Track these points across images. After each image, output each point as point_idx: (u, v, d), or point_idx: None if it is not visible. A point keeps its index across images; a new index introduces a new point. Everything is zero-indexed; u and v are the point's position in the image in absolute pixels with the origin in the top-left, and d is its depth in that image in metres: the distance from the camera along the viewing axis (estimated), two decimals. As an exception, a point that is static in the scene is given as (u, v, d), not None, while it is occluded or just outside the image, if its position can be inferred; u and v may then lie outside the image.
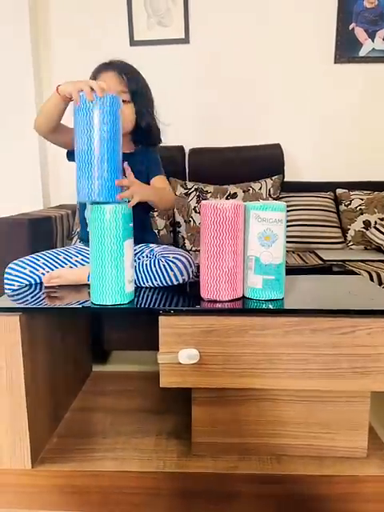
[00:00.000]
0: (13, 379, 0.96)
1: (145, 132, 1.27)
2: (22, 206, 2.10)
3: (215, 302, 0.99)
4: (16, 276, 1.16)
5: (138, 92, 1.23)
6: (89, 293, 1.03)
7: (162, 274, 1.11)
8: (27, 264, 1.18)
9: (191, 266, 1.14)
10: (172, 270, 1.11)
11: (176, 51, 2.26)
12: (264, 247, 0.99)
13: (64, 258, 1.25)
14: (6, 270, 1.17)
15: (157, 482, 1.00)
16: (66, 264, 1.24)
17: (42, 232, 1.78)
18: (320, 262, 1.79)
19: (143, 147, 1.33)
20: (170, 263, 1.12)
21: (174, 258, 1.13)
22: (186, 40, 2.25)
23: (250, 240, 1.00)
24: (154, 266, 1.12)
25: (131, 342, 1.63)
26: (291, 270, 1.54)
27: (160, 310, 0.96)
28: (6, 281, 1.17)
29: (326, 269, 1.66)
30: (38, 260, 1.20)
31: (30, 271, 1.17)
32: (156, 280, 1.12)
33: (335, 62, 2.26)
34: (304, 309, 0.94)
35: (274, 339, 0.93)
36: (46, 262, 1.21)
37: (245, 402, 1.02)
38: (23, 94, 2.26)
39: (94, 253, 0.97)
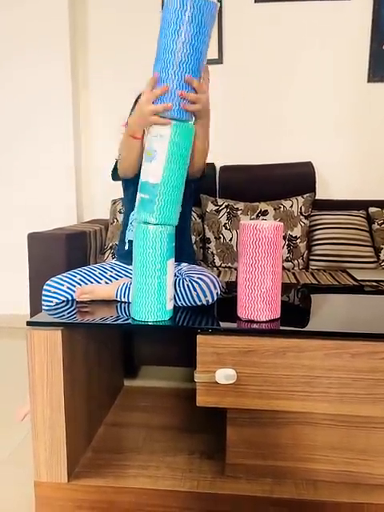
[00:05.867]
0: (52, 393, 0.99)
1: None
2: (57, 221, 2.17)
3: (252, 322, 0.99)
4: (54, 292, 1.19)
5: None
6: (116, 308, 1.09)
7: (186, 293, 1.11)
8: (65, 281, 1.21)
9: (216, 288, 1.11)
10: (195, 290, 1.10)
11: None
12: (145, 164, 0.99)
13: (99, 273, 1.28)
14: (45, 287, 1.20)
15: (190, 502, 1.00)
16: (102, 280, 1.27)
17: (78, 246, 1.83)
18: (353, 281, 1.76)
19: None
20: (194, 283, 1.11)
21: (198, 278, 1.12)
22: (219, 60, 2.30)
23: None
24: (178, 286, 1.12)
25: (162, 357, 1.64)
26: (325, 289, 1.54)
27: (199, 328, 0.97)
28: (44, 297, 1.20)
29: (357, 288, 1.64)
30: (75, 276, 1.23)
31: (68, 287, 1.20)
32: (180, 300, 1.11)
33: (368, 81, 2.26)
34: (343, 332, 0.94)
35: (313, 362, 0.93)
36: (82, 279, 1.23)
37: (281, 425, 1.02)
38: (60, 111, 2.34)
39: (137, 270, 0.99)
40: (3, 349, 2.16)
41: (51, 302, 1.19)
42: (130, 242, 1.26)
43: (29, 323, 0.99)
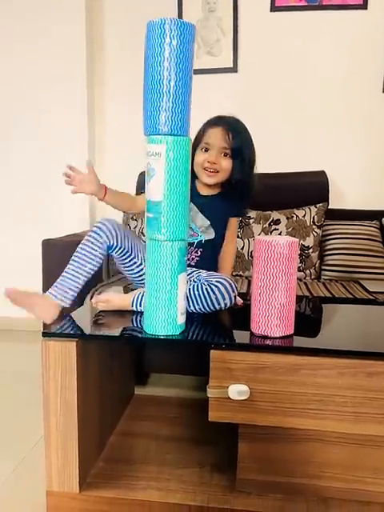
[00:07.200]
0: (67, 403, 0.99)
1: (233, 187, 1.32)
2: (71, 226, 2.18)
3: (266, 337, 0.99)
4: (105, 233, 1.23)
5: (240, 151, 1.29)
6: (132, 320, 1.10)
7: (205, 297, 1.13)
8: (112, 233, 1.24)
9: (233, 291, 1.14)
10: (214, 294, 1.12)
11: (224, 79, 2.31)
12: (147, 184, 1.00)
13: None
14: (98, 224, 1.25)
15: (201, 516, 1.00)
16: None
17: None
18: (365, 293, 1.75)
19: (228, 199, 1.36)
20: (212, 287, 1.13)
21: (216, 281, 1.15)
22: (234, 69, 2.31)
23: None
24: (197, 290, 1.14)
25: (172, 365, 1.64)
26: (339, 303, 1.53)
27: (212, 343, 0.97)
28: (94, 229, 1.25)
29: (372, 301, 1.62)
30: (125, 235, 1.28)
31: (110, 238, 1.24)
32: (198, 304, 1.13)
33: (383, 91, 2.25)
34: (358, 351, 0.93)
35: (327, 380, 0.92)
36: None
37: (293, 441, 1.01)
38: (75, 122, 2.37)
39: (149, 285, 1.00)
40: (16, 352, 2.18)
41: (100, 235, 1.22)
42: None
43: (44, 334, 1.00)
